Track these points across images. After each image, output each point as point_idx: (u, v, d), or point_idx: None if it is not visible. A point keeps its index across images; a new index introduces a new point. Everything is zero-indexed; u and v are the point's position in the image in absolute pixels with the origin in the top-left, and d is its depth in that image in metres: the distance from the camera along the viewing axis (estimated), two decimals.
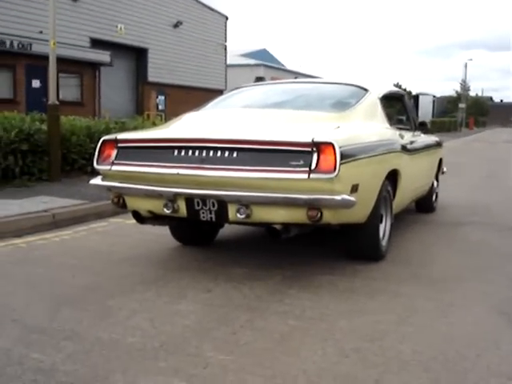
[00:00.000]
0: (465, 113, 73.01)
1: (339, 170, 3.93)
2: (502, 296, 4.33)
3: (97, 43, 26.67)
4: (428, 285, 4.55)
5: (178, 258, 5.26)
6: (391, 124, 5.80)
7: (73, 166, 9.76)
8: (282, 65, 67.57)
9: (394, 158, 5.30)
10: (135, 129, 11.18)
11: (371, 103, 5.53)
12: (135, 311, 3.77)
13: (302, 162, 4.00)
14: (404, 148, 5.65)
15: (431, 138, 7.79)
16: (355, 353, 3.17)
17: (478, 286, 4.56)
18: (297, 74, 62.39)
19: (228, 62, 41.41)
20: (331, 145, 3.97)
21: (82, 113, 16.95)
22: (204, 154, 4.29)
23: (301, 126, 4.61)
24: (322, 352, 3.17)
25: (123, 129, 10.94)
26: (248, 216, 4.21)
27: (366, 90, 5.68)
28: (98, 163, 4.79)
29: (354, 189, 4.21)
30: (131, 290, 4.23)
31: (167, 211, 4.49)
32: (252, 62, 53.65)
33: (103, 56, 25.67)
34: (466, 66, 77.72)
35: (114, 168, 4.66)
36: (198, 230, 5.64)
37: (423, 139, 6.99)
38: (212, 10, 38.22)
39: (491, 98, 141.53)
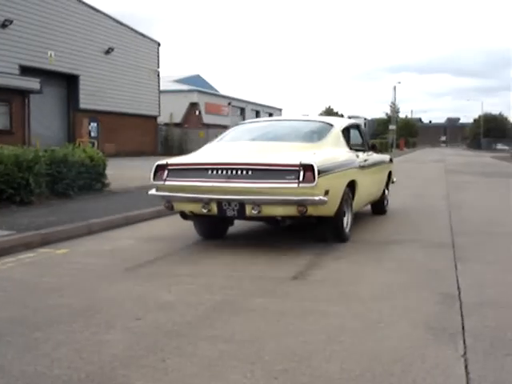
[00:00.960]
0: (395, 134, 75.02)
1: (317, 181, 5.99)
2: (428, 311, 4.45)
3: (27, 70, 26.24)
4: (357, 303, 4.64)
5: (107, 287, 5.18)
6: (350, 148, 7.92)
7: (0, 195, 9.50)
8: (216, 90, 67.91)
9: (352, 172, 7.33)
10: (65, 156, 11.05)
11: (335, 135, 7.70)
12: (62, 343, 3.69)
13: (293, 177, 6.08)
14: (359, 165, 7.69)
15: (382, 156, 10.04)
16: (283, 374, 3.19)
17: (406, 303, 4.67)
18: (231, 99, 62.83)
19: (161, 87, 41.37)
20: (311, 165, 6.04)
21: (11, 141, 16.56)
22: (229, 172, 6.32)
23: (292, 153, 6.63)
24: (251, 375, 3.18)
25: (52, 157, 10.76)
26: (259, 212, 6.21)
27: (331, 125, 7.92)
28: (154, 179, 6.77)
29: (326, 193, 6.22)
30: (58, 322, 4.14)
31: (204, 211, 6.46)
32: (186, 87, 53.70)
33: (33, 83, 25.21)
34: (394, 88, 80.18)
35: (167, 183, 6.67)
36: (215, 227, 7.45)
37: (374, 157, 8.91)
38: (144, 36, 38.21)
39: (420, 119, 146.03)
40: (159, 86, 40.38)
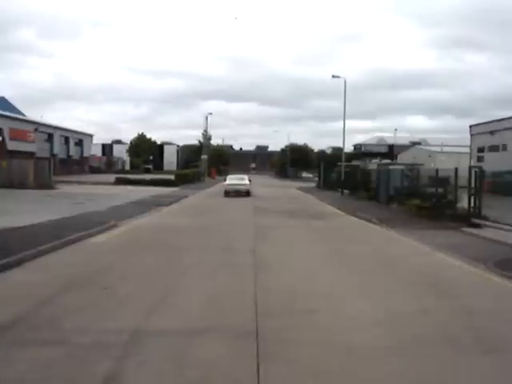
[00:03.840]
0: (207, 163, 76.36)
1: (249, 184, 42.36)
2: None
3: None
4: None
5: None
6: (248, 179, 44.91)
7: None
8: (23, 114, 64.40)
9: (249, 184, 42.91)
10: None
11: (248, 178, 44.25)
12: None
13: (247, 183, 42.73)
14: (249, 182, 43.31)
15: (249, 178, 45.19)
16: None
17: None
18: (38, 125, 59.97)
19: None
20: (249, 181, 43.18)
21: None
22: (236, 184, 42.08)
23: (246, 180, 43.14)
24: None
25: None
26: (241, 191, 40.80)
27: (246, 177, 45.14)
28: (224, 183, 43.87)
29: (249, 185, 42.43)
30: None
31: (232, 191, 40.60)
32: None
33: None
34: (206, 118, 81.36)
35: (225, 186, 41.95)
36: (230, 194, 40.39)
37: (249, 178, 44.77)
38: None
39: (232, 147, 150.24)
40: None
